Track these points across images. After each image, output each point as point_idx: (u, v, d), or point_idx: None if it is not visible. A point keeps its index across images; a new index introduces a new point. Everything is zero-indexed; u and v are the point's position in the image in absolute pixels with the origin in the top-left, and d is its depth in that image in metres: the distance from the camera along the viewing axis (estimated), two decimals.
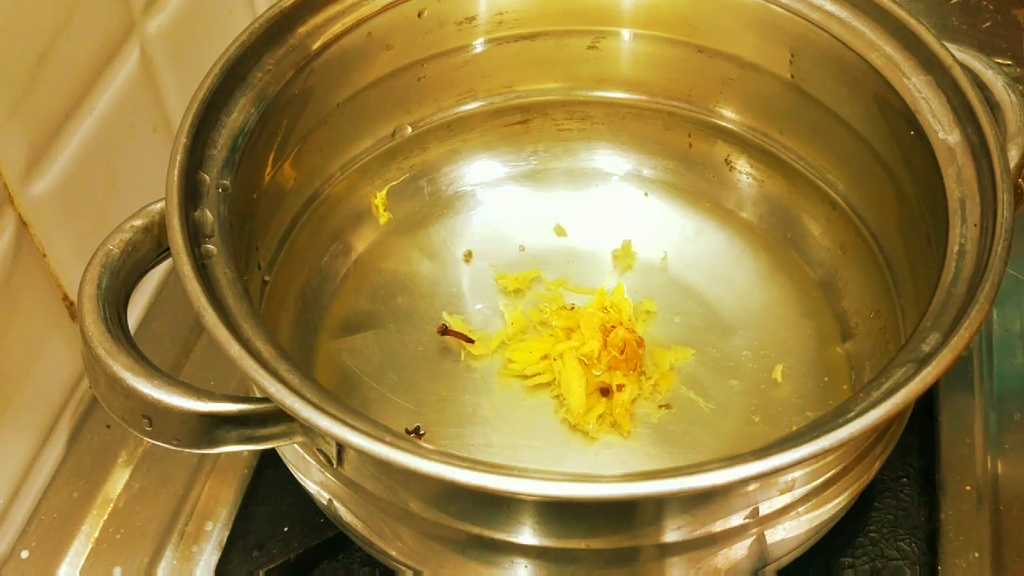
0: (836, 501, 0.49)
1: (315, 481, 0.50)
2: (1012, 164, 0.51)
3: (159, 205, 0.48)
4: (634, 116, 0.67)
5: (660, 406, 0.58)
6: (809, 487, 0.46)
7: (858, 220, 0.60)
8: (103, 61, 0.59)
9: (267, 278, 0.57)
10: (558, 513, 0.45)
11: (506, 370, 0.60)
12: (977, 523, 0.56)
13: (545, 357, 0.59)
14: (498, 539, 0.45)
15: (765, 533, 0.47)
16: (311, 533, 0.56)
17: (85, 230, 0.58)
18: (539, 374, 0.59)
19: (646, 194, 0.67)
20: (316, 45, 0.56)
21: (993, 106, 0.52)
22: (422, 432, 0.57)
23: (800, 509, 0.47)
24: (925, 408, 0.60)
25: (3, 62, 0.51)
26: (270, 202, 0.57)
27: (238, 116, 0.52)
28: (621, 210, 0.67)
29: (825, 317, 0.61)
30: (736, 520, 0.45)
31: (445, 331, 0.60)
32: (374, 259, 0.64)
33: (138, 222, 0.48)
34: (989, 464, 0.58)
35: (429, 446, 0.40)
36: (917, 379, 0.41)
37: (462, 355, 0.60)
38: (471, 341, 0.60)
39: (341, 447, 0.44)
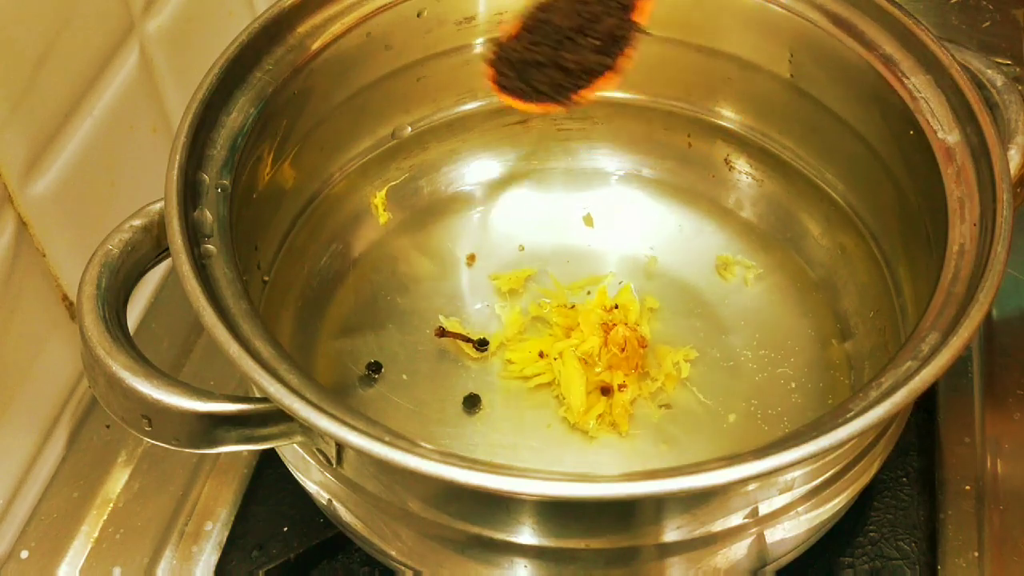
0: (836, 501, 0.49)
1: (315, 481, 0.50)
2: (1012, 164, 0.51)
3: (158, 205, 0.48)
4: (634, 116, 0.67)
5: (660, 406, 0.58)
6: (809, 487, 0.46)
7: (858, 220, 0.60)
8: (103, 61, 0.59)
9: (267, 278, 0.57)
10: (558, 513, 0.45)
11: (506, 371, 0.60)
12: (977, 523, 0.56)
13: (543, 356, 0.59)
14: (498, 539, 0.45)
15: (765, 533, 0.47)
16: (311, 533, 0.56)
17: (85, 230, 0.58)
18: (539, 374, 0.59)
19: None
20: (315, 45, 0.56)
21: (993, 106, 0.52)
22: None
23: (800, 509, 0.47)
24: (925, 408, 0.60)
25: (3, 62, 0.51)
26: (270, 202, 0.57)
27: (237, 116, 0.52)
28: (621, 210, 0.67)
29: (825, 317, 0.61)
30: (736, 520, 0.45)
31: (443, 333, 0.60)
32: (374, 259, 0.64)
33: (137, 222, 0.48)
34: (989, 464, 0.58)
35: (429, 446, 0.40)
36: (917, 379, 0.41)
37: (461, 356, 0.60)
38: (469, 340, 0.60)
39: (340, 447, 0.44)
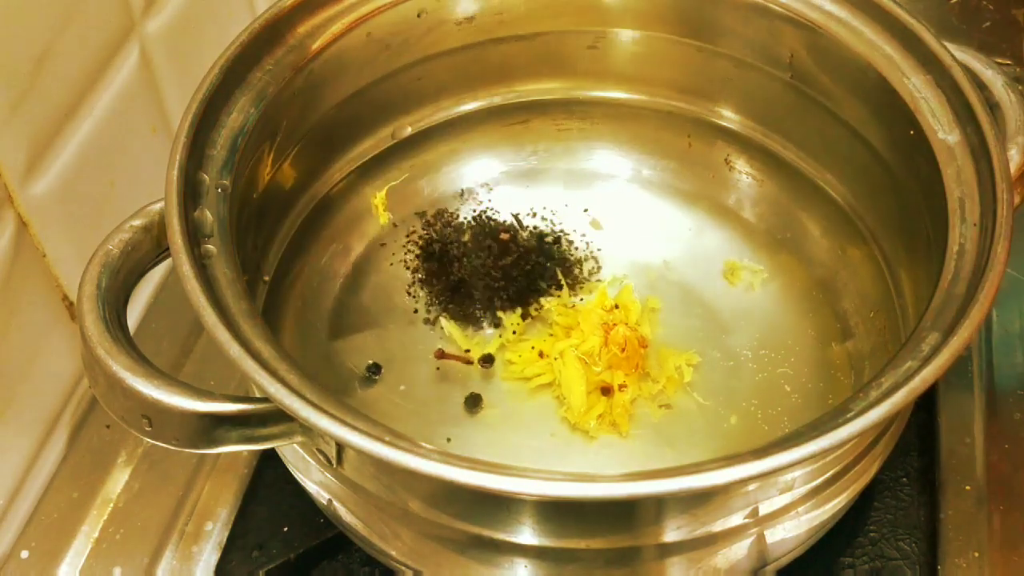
0: (836, 501, 0.49)
1: (315, 481, 0.50)
2: (1012, 164, 0.51)
3: (159, 205, 0.48)
4: (633, 116, 0.67)
5: (660, 406, 0.58)
6: (809, 487, 0.46)
7: (858, 220, 0.60)
8: (103, 61, 0.59)
9: (267, 278, 0.57)
10: (558, 513, 0.45)
11: (507, 372, 0.60)
12: (977, 523, 0.56)
13: (542, 356, 0.59)
14: (498, 539, 0.45)
15: (765, 533, 0.47)
16: (311, 533, 0.56)
17: (85, 230, 0.58)
18: (540, 375, 0.59)
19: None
20: (316, 45, 0.56)
21: (993, 106, 0.52)
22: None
23: (800, 509, 0.47)
24: (925, 408, 0.60)
25: (3, 62, 0.51)
26: (270, 202, 0.57)
27: (238, 116, 0.52)
28: (621, 210, 0.67)
29: (825, 317, 0.61)
30: (736, 520, 0.45)
31: (442, 355, 0.60)
32: (374, 259, 0.64)
33: (137, 222, 0.48)
34: (989, 464, 0.58)
35: (429, 446, 0.40)
36: (917, 379, 0.41)
37: (462, 356, 0.60)
38: (469, 363, 0.60)
39: (341, 447, 0.44)
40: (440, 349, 0.60)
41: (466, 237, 0.64)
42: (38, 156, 0.55)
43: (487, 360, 0.60)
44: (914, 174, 0.54)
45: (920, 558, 0.55)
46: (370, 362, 0.60)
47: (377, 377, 0.59)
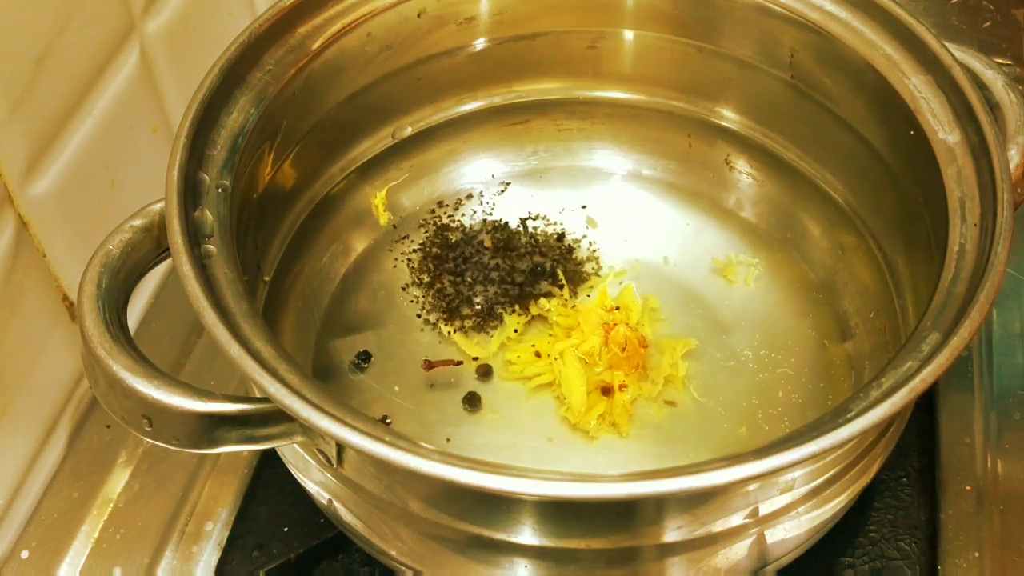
0: (836, 501, 0.49)
1: (315, 481, 0.50)
2: (1012, 164, 0.51)
3: (159, 205, 0.48)
4: (634, 116, 0.67)
5: (665, 402, 0.58)
6: (809, 487, 0.46)
7: (858, 220, 0.60)
8: (103, 61, 0.59)
9: (267, 278, 0.57)
10: (558, 513, 0.45)
11: (506, 372, 0.60)
12: (977, 523, 0.56)
13: (540, 355, 0.59)
14: (498, 539, 0.45)
15: (765, 533, 0.47)
16: (311, 533, 0.56)
17: (85, 230, 0.58)
18: (540, 375, 0.59)
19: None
20: (316, 45, 0.56)
21: (993, 106, 0.52)
22: (388, 421, 0.57)
23: (800, 509, 0.47)
24: (925, 408, 0.60)
25: (3, 62, 0.51)
26: (270, 202, 0.57)
27: (238, 116, 0.52)
28: (621, 210, 0.67)
29: (825, 317, 0.61)
30: (736, 520, 0.45)
31: (430, 366, 0.59)
32: (374, 259, 0.64)
33: (138, 222, 0.48)
34: (989, 464, 0.58)
35: (429, 446, 0.40)
36: (917, 379, 0.41)
37: (462, 357, 0.60)
38: (459, 363, 0.60)
39: (341, 447, 0.44)
40: (426, 360, 0.59)
41: (466, 237, 0.64)
42: (38, 156, 0.55)
43: (485, 373, 0.59)
44: (914, 174, 0.54)
45: (920, 558, 0.55)
46: (361, 350, 0.60)
47: (366, 365, 0.59)
